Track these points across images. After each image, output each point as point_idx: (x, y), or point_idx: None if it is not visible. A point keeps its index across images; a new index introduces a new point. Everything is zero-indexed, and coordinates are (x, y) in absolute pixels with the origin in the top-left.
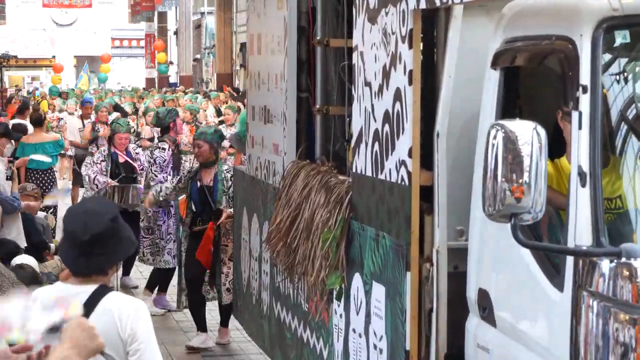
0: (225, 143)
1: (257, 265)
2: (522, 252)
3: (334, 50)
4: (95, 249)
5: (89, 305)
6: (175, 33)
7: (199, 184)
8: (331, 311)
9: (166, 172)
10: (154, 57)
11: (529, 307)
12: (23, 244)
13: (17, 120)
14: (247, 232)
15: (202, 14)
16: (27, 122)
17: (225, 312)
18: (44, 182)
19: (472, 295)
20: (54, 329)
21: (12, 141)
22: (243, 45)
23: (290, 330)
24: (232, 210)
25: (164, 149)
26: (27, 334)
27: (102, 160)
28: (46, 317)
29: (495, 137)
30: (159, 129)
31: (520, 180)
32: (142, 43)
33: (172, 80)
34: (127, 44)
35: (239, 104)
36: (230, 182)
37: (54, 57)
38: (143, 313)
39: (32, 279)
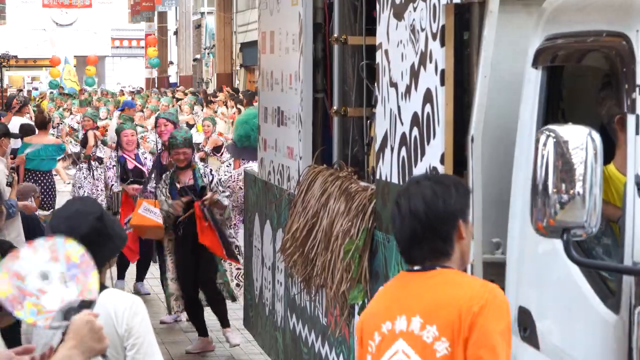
0: None
1: (271, 275)
2: (570, 268)
3: (351, 49)
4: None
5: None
6: (175, 33)
7: (178, 186)
8: (352, 326)
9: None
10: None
11: (579, 329)
12: (23, 245)
13: (20, 120)
14: (259, 240)
15: (202, 14)
16: (25, 120)
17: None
18: (42, 184)
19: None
20: (66, 314)
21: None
22: (243, 45)
23: (307, 345)
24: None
25: None
26: (36, 316)
27: (114, 166)
28: (61, 292)
29: (545, 144)
30: None
31: (572, 191)
32: (142, 43)
33: (172, 80)
34: (127, 44)
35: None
36: (212, 177)
37: (53, 57)
38: (139, 308)
39: None
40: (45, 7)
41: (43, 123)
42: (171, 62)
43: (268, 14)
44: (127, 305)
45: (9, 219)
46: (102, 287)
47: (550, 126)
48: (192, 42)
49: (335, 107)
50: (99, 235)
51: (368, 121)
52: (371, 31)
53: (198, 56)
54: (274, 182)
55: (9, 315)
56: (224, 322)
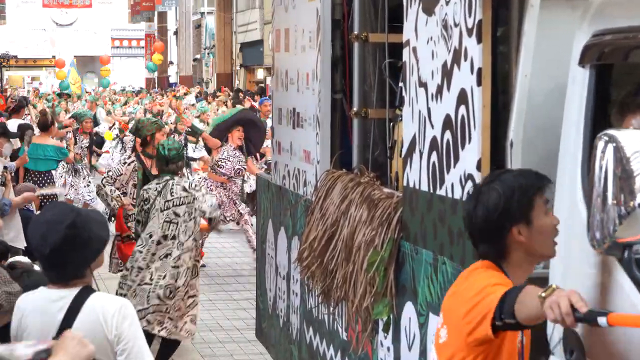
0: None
1: (285, 285)
2: (626, 287)
3: (371, 46)
4: (60, 259)
5: (74, 309)
6: (175, 33)
7: None
8: (376, 343)
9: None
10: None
11: (637, 355)
12: (22, 244)
13: (18, 120)
14: (272, 247)
15: (202, 14)
16: (22, 121)
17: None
18: (41, 183)
19: (554, 334)
20: (43, 352)
21: (11, 140)
22: (243, 45)
23: None
24: None
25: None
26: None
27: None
28: (31, 348)
29: (603, 151)
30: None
31: (633, 203)
32: (142, 43)
33: (172, 80)
34: (127, 44)
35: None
36: None
37: (53, 57)
38: (128, 311)
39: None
40: (45, 7)
41: (45, 125)
42: (171, 62)
43: (283, 10)
44: (115, 310)
45: (3, 217)
46: (90, 290)
47: (609, 131)
48: (192, 42)
49: (355, 109)
50: (73, 242)
51: (391, 123)
52: (393, 28)
53: (198, 56)
54: (288, 187)
55: (7, 313)
56: None
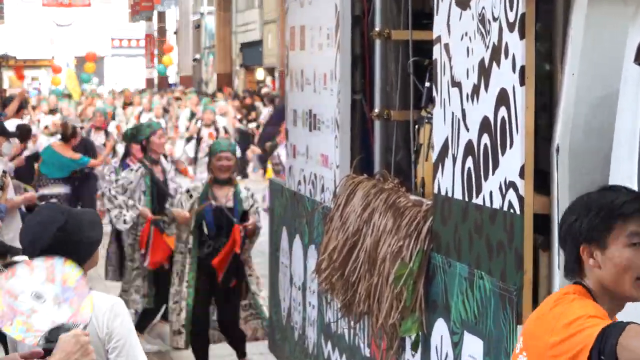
0: None
1: (301, 296)
2: None
3: (393, 44)
4: None
5: None
6: (175, 33)
7: (213, 204)
8: None
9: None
10: (153, 57)
11: None
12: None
13: (17, 121)
14: (287, 256)
15: (202, 14)
16: (21, 121)
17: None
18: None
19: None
20: (55, 332)
21: (10, 139)
22: (243, 45)
23: None
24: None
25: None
26: (25, 333)
27: (112, 172)
28: (53, 314)
29: None
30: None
31: None
32: (142, 43)
33: (171, 80)
34: (126, 44)
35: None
36: (252, 201)
37: (53, 57)
38: (120, 309)
39: None
40: (45, 6)
41: (65, 136)
42: None
43: (297, 6)
44: (107, 308)
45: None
46: None
47: None
48: (192, 42)
49: (376, 110)
50: (65, 244)
51: (416, 126)
52: (417, 25)
53: (198, 56)
54: (304, 193)
55: None
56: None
